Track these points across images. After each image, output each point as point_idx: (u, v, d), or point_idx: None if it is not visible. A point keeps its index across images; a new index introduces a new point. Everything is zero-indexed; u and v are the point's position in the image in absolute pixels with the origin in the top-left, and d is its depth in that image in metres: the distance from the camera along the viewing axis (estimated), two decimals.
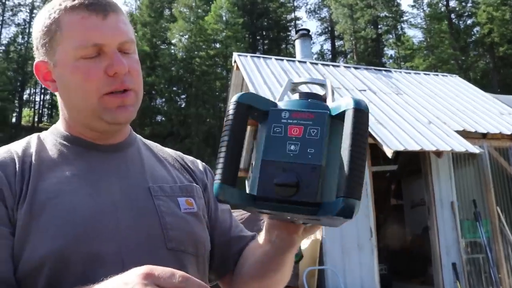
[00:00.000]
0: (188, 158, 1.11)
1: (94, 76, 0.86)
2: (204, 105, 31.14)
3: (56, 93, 0.95)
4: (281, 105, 0.71)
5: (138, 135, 1.06)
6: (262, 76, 7.79)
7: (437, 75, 10.18)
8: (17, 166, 0.86)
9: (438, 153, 6.36)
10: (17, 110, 36.62)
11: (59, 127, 0.97)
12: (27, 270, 0.77)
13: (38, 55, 0.93)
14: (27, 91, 39.36)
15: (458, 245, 6.69)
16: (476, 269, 6.96)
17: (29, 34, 38.48)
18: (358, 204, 0.63)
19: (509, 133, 7.22)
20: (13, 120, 35.35)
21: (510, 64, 30.62)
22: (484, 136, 7.20)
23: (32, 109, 39.53)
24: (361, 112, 0.65)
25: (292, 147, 0.66)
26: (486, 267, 6.89)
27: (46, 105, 40.06)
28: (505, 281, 6.82)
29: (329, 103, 0.71)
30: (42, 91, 39.35)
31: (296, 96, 0.73)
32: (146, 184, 0.92)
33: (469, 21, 33.79)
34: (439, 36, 32.34)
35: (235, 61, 8.45)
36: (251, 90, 7.24)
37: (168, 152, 1.10)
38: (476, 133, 7.13)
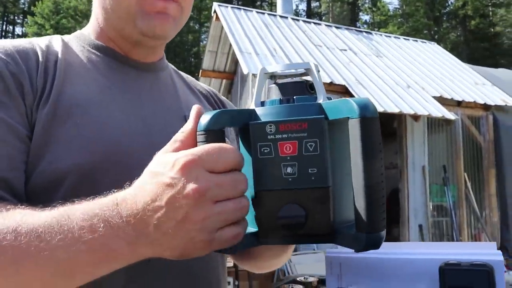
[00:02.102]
0: (222, 97, 1.01)
1: None
2: (174, 59, 30.40)
3: None
4: (262, 113, 0.54)
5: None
6: (243, 28, 7.55)
7: (416, 41, 10.18)
8: (40, 59, 0.72)
9: (416, 117, 6.43)
10: None
11: (86, 33, 0.84)
12: (44, 182, 0.65)
13: None
14: None
15: (425, 208, 6.88)
16: (440, 232, 7.24)
17: None
18: (383, 235, 0.51)
19: (482, 102, 7.35)
20: None
21: (480, 38, 31.14)
22: (459, 104, 7.30)
23: None
24: (370, 121, 0.49)
25: (289, 170, 0.52)
26: (449, 230, 7.16)
27: None
28: None
29: (320, 99, 0.54)
30: (3, 34, 37.32)
31: (274, 92, 0.56)
32: (181, 112, 0.81)
33: None
34: (415, 5, 32.39)
35: (214, 11, 8.13)
36: (232, 41, 7.02)
37: (202, 85, 0.99)
38: (452, 100, 7.22)
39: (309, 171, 0.51)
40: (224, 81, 8.93)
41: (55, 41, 0.80)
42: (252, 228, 0.55)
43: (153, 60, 0.86)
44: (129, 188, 0.52)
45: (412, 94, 6.94)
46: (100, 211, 0.52)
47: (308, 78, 0.57)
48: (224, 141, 0.53)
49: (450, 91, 7.50)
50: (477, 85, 8.19)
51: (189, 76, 1.00)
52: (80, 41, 0.83)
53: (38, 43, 0.77)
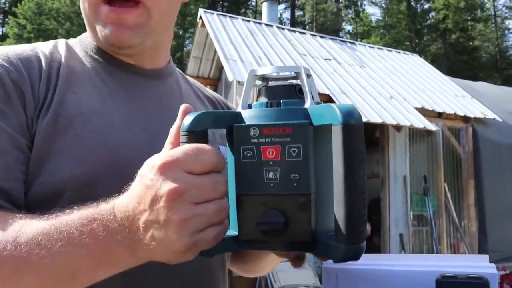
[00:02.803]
0: (231, 105, 1.00)
1: None
2: None
3: None
4: (247, 116, 0.53)
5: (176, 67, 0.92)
6: (228, 35, 7.56)
7: (399, 52, 10.34)
8: (43, 67, 0.71)
9: (398, 128, 6.51)
10: None
11: (89, 36, 0.82)
12: (44, 193, 0.64)
13: None
14: None
15: (406, 217, 6.96)
16: (420, 241, 7.32)
17: None
18: (363, 247, 0.50)
19: (462, 114, 7.49)
20: None
21: (460, 52, 31.81)
22: (440, 115, 7.43)
23: None
24: (353, 128, 0.47)
25: (271, 175, 0.51)
26: (429, 240, 7.25)
27: None
28: (444, 253, 7.21)
29: (307, 104, 0.53)
30: None
31: (262, 95, 0.55)
32: None
33: (426, 5, 34.57)
34: (397, 17, 32.96)
35: (200, 18, 8.14)
36: (217, 48, 7.03)
37: (210, 92, 0.98)
38: (433, 111, 7.34)
39: (291, 177, 0.50)
40: (208, 87, 8.91)
41: (60, 46, 0.79)
42: (233, 232, 0.55)
43: (157, 66, 0.84)
44: (125, 193, 0.53)
45: (394, 105, 7.03)
46: (98, 216, 0.52)
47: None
48: (206, 142, 0.52)
49: (431, 103, 7.63)
50: (457, 97, 8.35)
51: (196, 81, 0.98)
52: (84, 45, 0.81)
53: (42, 50, 0.75)
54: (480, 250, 7.15)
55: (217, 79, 8.70)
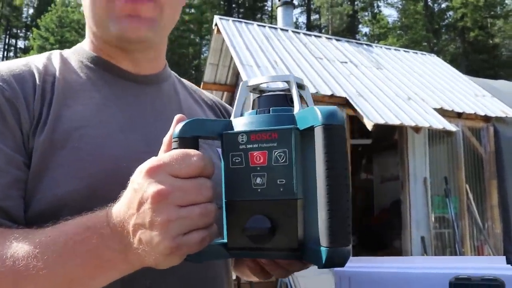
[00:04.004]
0: (228, 106, 0.99)
1: None
2: (176, 72, 30.51)
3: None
4: (237, 124, 0.54)
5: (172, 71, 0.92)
6: (244, 41, 7.59)
7: (416, 53, 10.23)
8: (37, 83, 0.71)
9: (417, 129, 6.43)
10: None
11: (85, 46, 0.82)
12: (43, 209, 0.64)
13: None
14: None
15: (427, 219, 6.85)
16: (443, 243, 7.19)
17: None
18: (348, 251, 0.48)
19: (483, 114, 7.36)
20: None
21: (479, 50, 31.27)
22: (460, 115, 7.31)
23: None
24: (333, 129, 0.47)
25: (258, 180, 0.51)
26: (452, 242, 7.12)
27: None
28: (468, 256, 7.07)
29: (296, 109, 0.53)
30: (6, 47, 37.51)
31: (255, 105, 0.56)
32: None
33: (443, 5, 34.15)
34: (414, 17, 32.62)
35: (216, 24, 8.19)
36: (233, 54, 7.06)
37: (206, 95, 0.97)
38: (452, 112, 7.23)
39: (278, 182, 0.50)
40: (225, 93, 8.95)
41: (54, 58, 0.79)
42: (224, 239, 0.55)
43: (153, 71, 0.84)
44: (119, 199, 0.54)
45: (412, 106, 6.95)
46: (92, 224, 0.53)
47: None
48: (196, 149, 0.53)
49: (450, 103, 7.52)
50: (477, 96, 8.22)
51: (193, 85, 0.98)
52: (79, 55, 0.81)
53: (35, 64, 0.75)
54: (505, 252, 6.98)
55: (234, 85, 8.73)
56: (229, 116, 0.93)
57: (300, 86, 0.57)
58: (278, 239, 0.50)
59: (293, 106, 0.54)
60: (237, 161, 0.52)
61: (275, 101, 0.55)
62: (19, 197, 0.65)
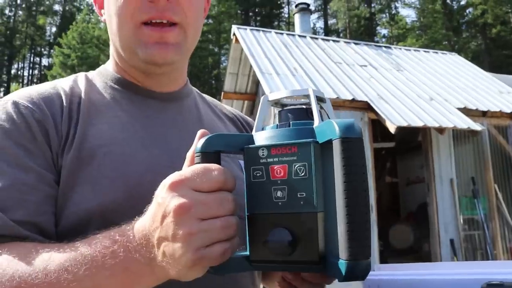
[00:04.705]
0: (249, 119, 1.01)
1: (131, 0, 0.76)
2: (196, 82, 30.78)
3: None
4: (258, 138, 0.56)
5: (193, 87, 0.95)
6: (262, 50, 7.63)
7: (436, 52, 10.10)
8: (64, 104, 0.75)
9: (441, 130, 6.33)
10: (5, 84, 35.96)
11: (108, 67, 0.87)
12: (72, 224, 0.68)
13: None
14: (15, 66, 38.61)
15: (456, 221, 6.72)
16: (473, 246, 7.03)
17: (17, 6, 37.50)
18: (368, 264, 0.48)
19: (509, 111, 7.20)
20: (1, 95, 34.64)
21: (502, 46, 30.63)
22: (484, 114, 7.17)
23: (21, 84, 38.71)
24: (350, 142, 0.48)
25: (279, 194, 0.52)
26: (482, 244, 6.96)
27: (35, 80, 39.25)
28: (500, 258, 6.89)
29: (316, 122, 0.54)
30: (31, 65, 38.54)
31: (277, 119, 0.57)
32: None
33: (462, 2, 33.62)
34: (433, 16, 32.18)
35: (234, 34, 8.26)
36: (252, 63, 7.10)
37: (228, 109, 0.99)
38: (476, 110, 7.10)
39: (298, 195, 0.51)
40: (246, 102, 9.00)
41: (80, 80, 0.83)
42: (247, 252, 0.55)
43: (175, 88, 0.87)
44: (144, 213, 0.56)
45: (435, 107, 6.86)
46: (119, 238, 0.56)
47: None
48: (218, 163, 0.55)
49: (474, 102, 7.39)
50: (501, 93, 8.05)
51: (214, 99, 1.00)
52: (103, 76, 0.85)
53: (62, 86, 0.79)
54: None
55: (254, 94, 8.77)
56: (251, 128, 0.96)
57: (321, 99, 0.58)
58: (299, 252, 0.50)
59: (312, 121, 0.55)
60: (258, 174, 0.53)
61: (296, 115, 0.56)
62: (50, 213, 0.69)
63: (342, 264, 0.48)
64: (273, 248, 0.51)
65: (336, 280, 0.52)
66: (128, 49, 0.79)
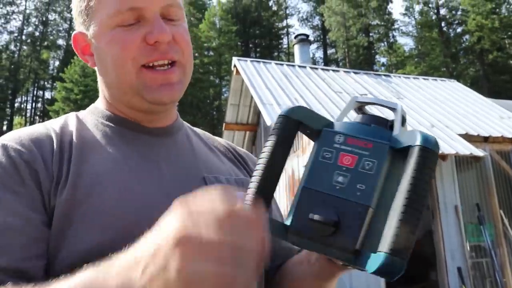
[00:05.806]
0: (241, 150, 1.01)
1: (131, 45, 0.75)
2: (197, 113, 31.00)
3: (95, 68, 0.85)
4: (338, 126, 0.60)
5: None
6: (263, 80, 7.74)
7: (435, 79, 10.21)
8: (54, 143, 0.74)
9: (443, 157, 6.34)
10: (8, 118, 36.27)
11: (99, 106, 0.86)
12: (69, 264, 0.65)
13: (77, 26, 0.83)
14: (19, 99, 39.04)
15: (462, 249, 6.64)
16: (481, 273, 6.92)
17: (22, 42, 38.25)
18: (403, 265, 0.50)
19: (510, 136, 7.23)
20: (4, 128, 34.92)
21: (499, 71, 30.97)
22: (486, 139, 7.19)
23: (23, 117, 39.11)
24: (429, 152, 0.52)
25: (340, 179, 0.55)
26: (491, 271, 6.85)
27: (38, 113, 39.61)
28: (510, 286, 6.77)
29: (396, 132, 0.58)
30: (34, 99, 39.01)
31: (358, 117, 0.62)
32: (200, 173, 0.82)
33: (459, 29, 34.20)
34: (430, 44, 32.69)
35: (234, 66, 8.39)
36: (253, 94, 7.19)
37: (219, 141, 0.99)
38: (478, 136, 7.13)
39: (358, 186, 0.54)
40: (247, 133, 9.06)
41: (70, 120, 0.82)
42: (287, 223, 0.57)
43: (167, 123, 0.86)
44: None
45: (436, 134, 6.88)
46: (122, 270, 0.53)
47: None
48: (296, 131, 0.59)
49: (475, 127, 7.42)
50: (502, 119, 8.09)
51: (205, 132, 1.00)
52: (94, 115, 0.84)
53: (53, 127, 0.78)
54: None
55: (255, 124, 8.84)
56: (243, 159, 0.96)
57: (404, 119, 0.61)
58: (338, 236, 0.53)
59: (391, 131, 0.59)
60: (327, 156, 0.57)
61: (377, 121, 0.60)
62: (38, 257, 0.66)
63: (380, 255, 0.50)
64: (316, 224, 0.53)
65: None
66: (131, 92, 0.79)
